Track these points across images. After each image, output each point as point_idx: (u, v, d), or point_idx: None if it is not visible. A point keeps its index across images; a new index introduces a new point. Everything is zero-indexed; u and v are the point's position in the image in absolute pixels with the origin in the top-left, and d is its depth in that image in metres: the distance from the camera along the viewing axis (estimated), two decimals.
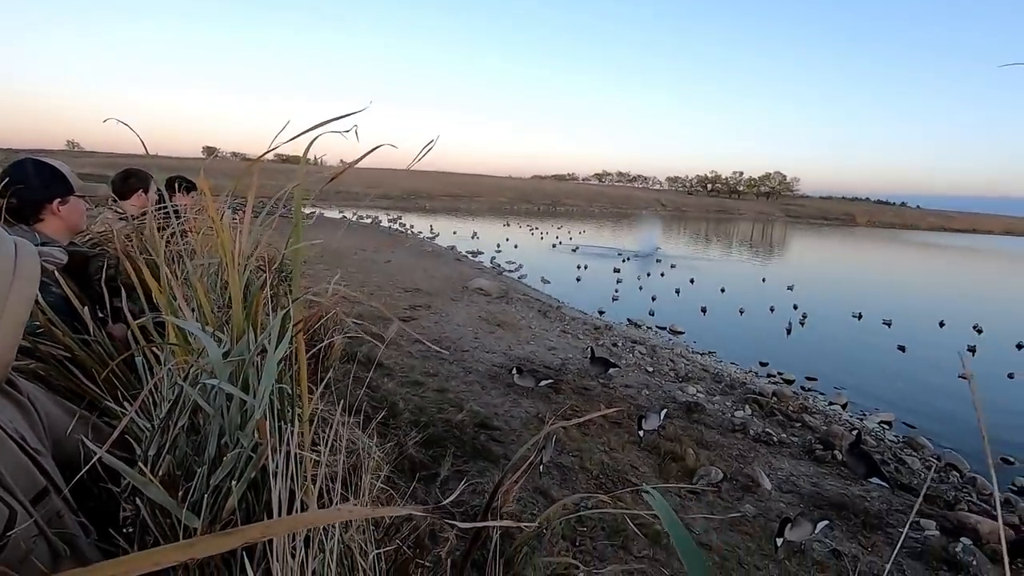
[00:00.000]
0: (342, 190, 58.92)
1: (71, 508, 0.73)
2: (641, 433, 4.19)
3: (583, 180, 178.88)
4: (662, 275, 16.28)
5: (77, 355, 1.01)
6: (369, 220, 28.09)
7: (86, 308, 1.18)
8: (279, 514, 0.69)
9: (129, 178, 2.91)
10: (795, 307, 12.16)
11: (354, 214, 31.67)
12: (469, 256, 17.21)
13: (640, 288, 13.83)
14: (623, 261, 18.78)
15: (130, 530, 0.75)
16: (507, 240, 23.09)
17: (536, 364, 5.92)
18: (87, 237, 1.80)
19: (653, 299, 12.26)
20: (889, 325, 11.40)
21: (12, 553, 0.59)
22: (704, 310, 11.62)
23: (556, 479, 3.53)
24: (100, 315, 1.41)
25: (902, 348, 9.76)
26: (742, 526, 3.36)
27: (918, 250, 45.64)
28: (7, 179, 1.40)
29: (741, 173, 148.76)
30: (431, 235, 22.86)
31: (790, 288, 14.86)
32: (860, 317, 12.02)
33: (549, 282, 13.45)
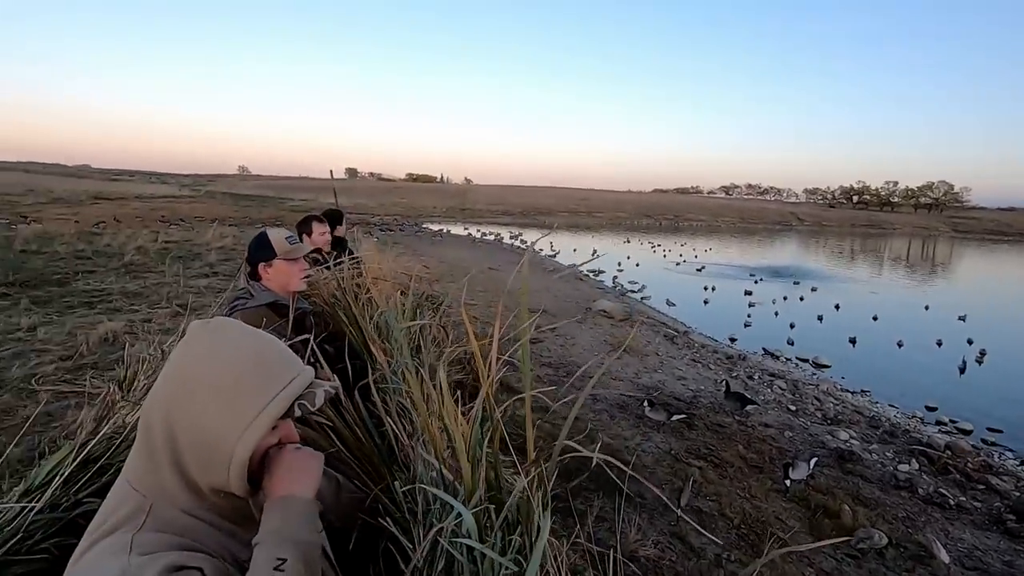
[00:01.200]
0: (467, 207, 62.06)
1: (330, 562, 0.87)
2: (788, 482, 3.88)
3: (708, 193, 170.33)
4: (801, 299, 14.95)
5: (335, 422, 1.20)
6: (492, 237, 29.10)
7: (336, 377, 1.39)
8: None
9: (304, 225, 3.29)
10: (970, 341, 10.49)
11: (478, 231, 33.15)
12: (591, 275, 17.15)
13: (776, 314, 12.82)
14: (755, 282, 17.55)
15: None
16: (628, 258, 22.64)
17: (666, 395, 5.74)
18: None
19: (791, 327, 11.30)
20: None
21: None
22: (853, 341, 10.46)
23: (694, 525, 3.39)
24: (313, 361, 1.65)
25: None
26: None
27: None
28: (249, 247, 1.77)
29: (895, 183, 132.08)
30: (552, 252, 23.10)
31: (962, 319, 12.85)
32: None
33: (674, 304, 12.96)
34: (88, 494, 0.91)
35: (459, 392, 1.65)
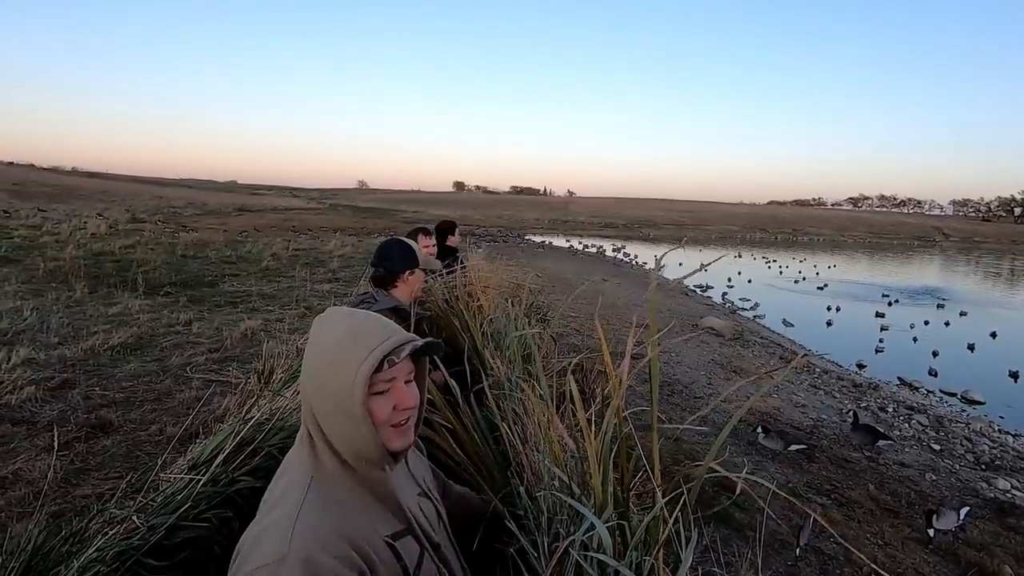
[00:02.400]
0: (569, 219, 62.12)
1: (458, 556, 0.90)
2: (931, 532, 3.41)
3: (832, 205, 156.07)
4: (947, 324, 13.17)
5: (454, 425, 1.25)
6: (594, 250, 28.84)
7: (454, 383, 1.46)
8: None
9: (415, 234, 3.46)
10: None
11: (580, 243, 33.02)
12: (697, 291, 16.39)
13: (914, 340, 11.40)
14: (888, 304, 15.77)
15: None
16: (739, 273, 21.31)
17: (782, 423, 5.31)
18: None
19: (934, 355, 9.99)
20: None
21: None
22: (1015, 376, 9.01)
23: (815, 567, 3.09)
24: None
25: None
26: None
27: None
28: (380, 254, 1.86)
29: None
30: (656, 266, 22.37)
31: None
32: None
33: (792, 325, 11.98)
34: (242, 473, 1.02)
35: (566, 402, 1.65)
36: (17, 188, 32.54)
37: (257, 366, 3.93)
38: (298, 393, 1.35)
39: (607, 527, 0.72)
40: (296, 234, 21.51)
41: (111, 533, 0.85)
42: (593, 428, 0.85)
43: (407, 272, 1.89)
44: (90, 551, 0.79)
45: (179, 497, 0.93)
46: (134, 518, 0.85)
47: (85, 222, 17.41)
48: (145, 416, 3.90)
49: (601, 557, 0.69)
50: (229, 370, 4.83)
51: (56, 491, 2.93)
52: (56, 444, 3.29)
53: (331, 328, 0.83)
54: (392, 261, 1.89)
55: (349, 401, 0.77)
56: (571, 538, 0.73)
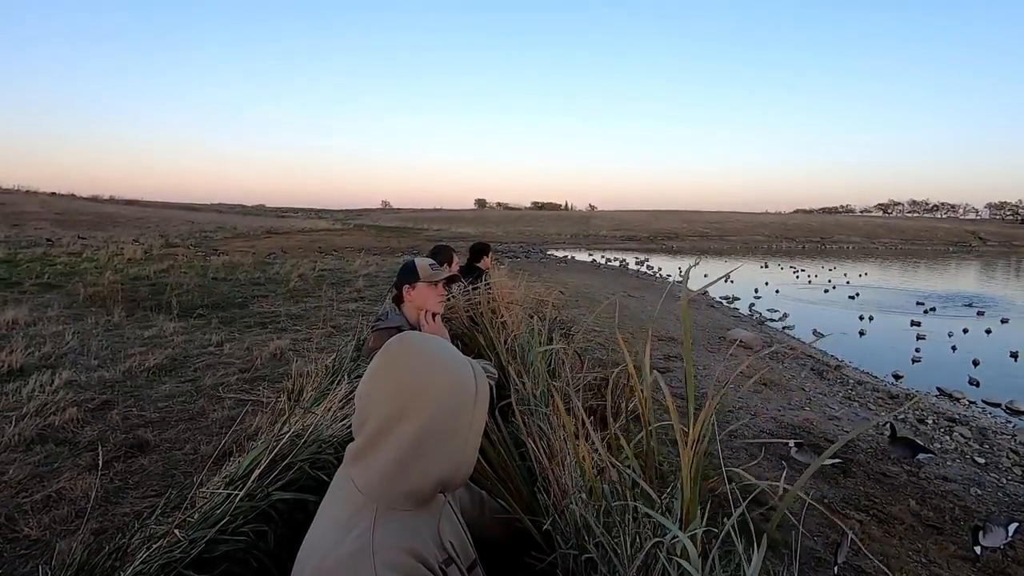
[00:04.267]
0: (591, 233, 62.04)
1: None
2: (978, 549, 3.27)
3: (861, 212, 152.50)
4: (988, 332, 12.69)
5: (484, 446, 1.27)
6: (617, 263, 28.70)
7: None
8: None
9: (437, 255, 3.53)
10: None
11: (602, 256, 32.91)
12: (724, 303, 16.14)
13: (953, 348, 11.01)
14: (924, 312, 15.27)
15: None
16: (766, 284, 20.96)
17: (816, 436, 5.17)
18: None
19: (975, 364, 9.62)
20: None
21: None
22: None
23: None
24: None
25: None
26: None
27: None
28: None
29: None
30: (681, 278, 22.15)
31: None
32: None
33: (823, 335, 11.70)
34: (277, 487, 1.05)
35: (592, 417, 1.65)
36: (60, 217, 34.01)
37: (287, 385, 4.01)
38: (329, 410, 1.39)
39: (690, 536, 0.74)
40: (322, 255, 21.93)
41: (154, 547, 0.89)
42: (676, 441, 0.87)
43: (407, 287, 2.02)
44: (136, 564, 0.83)
45: (217, 512, 0.97)
46: (176, 532, 0.89)
47: (122, 248, 18.09)
48: (180, 435, 4.00)
49: (686, 565, 0.71)
50: (260, 389, 4.93)
51: (97, 509, 3.03)
52: (99, 464, 3.40)
53: (425, 348, 0.82)
54: (398, 279, 2.06)
55: (464, 421, 0.79)
56: (656, 540, 0.75)
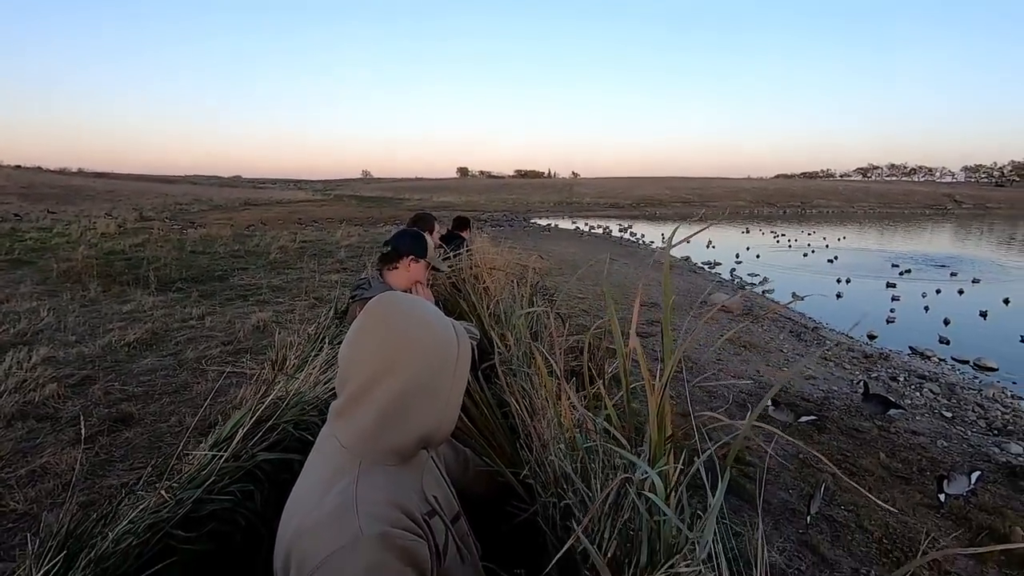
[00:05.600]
0: (574, 201, 61.80)
1: (469, 528, 0.94)
2: (942, 497, 3.44)
3: (841, 176, 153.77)
4: (960, 293, 13.05)
5: (465, 402, 1.29)
6: (600, 230, 28.73)
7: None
8: None
9: (418, 222, 3.49)
10: None
11: (586, 224, 32.88)
12: (705, 268, 16.32)
13: (926, 308, 11.33)
14: (899, 274, 15.62)
15: None
16: (747, 249, 21.16)
17: (793, 395, 5.33)
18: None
19: (946, 323, 9.92)
20: None
21: (449, 561, 0.80)
22: None
23: (826, 535, 3.13)
24: None
25: None
26: None
27: None
28: (395, 236, 1.92)
29: None
30: (664, 245, 22.27)
31: None
32: None
33: (802, 298, 11.90)
34: (261, 448, 1.07)
35: (574, 379, 1.68)
36: (26, 191, 32.88)
37: (271, 356, 4.00)
38: (311, 375, 1.39)
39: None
40: (302, 226, 21.59)
41: (141, 507, 0.90)
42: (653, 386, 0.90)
43: (411, 257, 1.93)
44: (123, 523, 0.84)
45: (203, 472, 0.98)
46: (163, 492, 0.90)
47: (95, 222, 17.60)
48: (164, 408, 3.99)
49: (653, 497, 0.74)
50: (243, 361, 4.91)
51: (83, 482, 3.03)
52: (82, 437, 3.39)
53: (407, 308, 0.83)
54: (403, 243, 1.95)
55: (446, 378, 0.81)
56: (625, 476, 0.79)
